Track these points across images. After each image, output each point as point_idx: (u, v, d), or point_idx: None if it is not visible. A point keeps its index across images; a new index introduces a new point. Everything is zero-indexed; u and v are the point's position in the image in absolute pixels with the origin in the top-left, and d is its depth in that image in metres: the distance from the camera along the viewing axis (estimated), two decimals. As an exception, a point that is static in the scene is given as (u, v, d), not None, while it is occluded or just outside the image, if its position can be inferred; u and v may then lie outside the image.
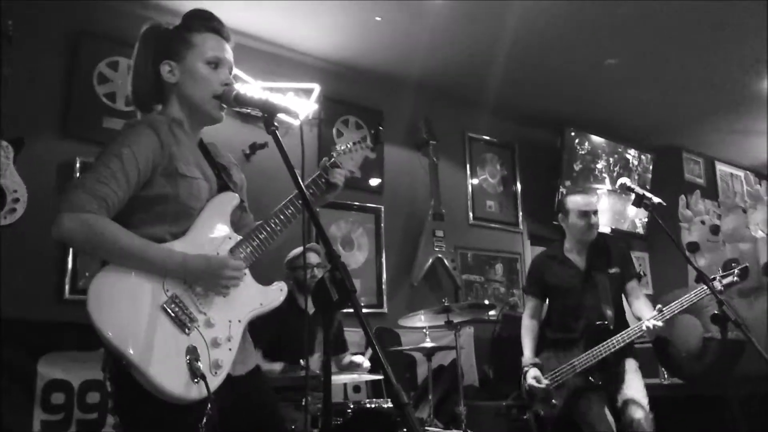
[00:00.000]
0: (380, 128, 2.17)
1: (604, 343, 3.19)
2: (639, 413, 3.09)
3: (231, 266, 1.68)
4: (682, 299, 3.11)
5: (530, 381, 3.29)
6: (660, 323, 3.09)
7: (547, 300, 3.55)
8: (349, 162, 2.02)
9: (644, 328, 3.11)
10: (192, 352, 1.59)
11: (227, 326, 1.70)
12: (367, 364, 3.53)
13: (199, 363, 1.58)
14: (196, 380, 1.56)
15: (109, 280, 1.60)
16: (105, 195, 1.59)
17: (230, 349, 1.68)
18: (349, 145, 2.04)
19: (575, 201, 3.50)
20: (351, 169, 2.02)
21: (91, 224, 1.56)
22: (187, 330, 1.62)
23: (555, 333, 3.43)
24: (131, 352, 1.52)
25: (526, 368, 3.36)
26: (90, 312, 1.54)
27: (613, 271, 3.40)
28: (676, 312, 3.11)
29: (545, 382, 3.27)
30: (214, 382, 1.62)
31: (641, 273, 6.97)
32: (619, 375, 3.27)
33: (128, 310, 1.57)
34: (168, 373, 1.55)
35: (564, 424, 3.24)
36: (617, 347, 3.17)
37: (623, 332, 3.18)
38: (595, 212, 3.46)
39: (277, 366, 3.29)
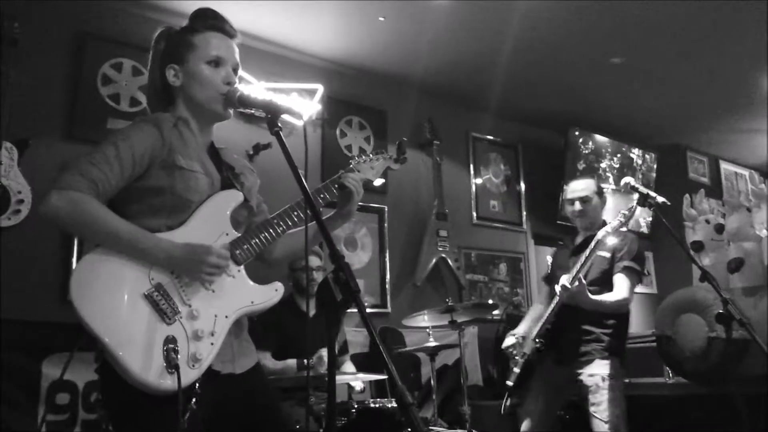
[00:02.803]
0: (405, 140, 2.13)
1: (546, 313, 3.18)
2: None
3: (215, 253, 1.65)
4: (581, 257, 3.11)
5: (504, 344, 3.32)
6: (564, 282, 3.03)
7: None
8: (370, 171, 2.00)
9: (557, 290, 3.08)
10: (170, 342, 1.57)
11: (212, 320, 1.67)
12: (360, 386, 3.54)
13: (176, 354, 1.56)
14: (170, 371, 1.53)
15: (95, 263, 1.60)
16: (96, 177, 1.60)
17: (212, 344, 1.65)
18: (371, 155, 2.03)
19: (568, 187, 3.51)
20: (371, 178, 1.99)
21: (77, 202, 1.56)
22: (168, 320, 1.61)
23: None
24: (106, 336, 1.52)
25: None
26: (71, 292, 1.54)
27: (603, 254, 3.25)
28: (579, 269, 3.06)
29: (511, 340, 3.28)
30: (191, 374, 1.59)
31: (646, 272, 6.95)
32: (582, 380, 3.16)
33: (109, 294, 1.57)
34: (141, 361, 1.53)
35: (519, 396, 3.25)
36: (550, 310, 3.14)
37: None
38: (584, 199, 3.34)
39: (291, 362, 3.30)
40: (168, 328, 1.60)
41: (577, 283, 3.01)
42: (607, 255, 3.25)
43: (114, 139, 1.66)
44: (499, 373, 4.96)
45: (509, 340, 3.31)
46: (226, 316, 1.71)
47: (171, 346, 1.57)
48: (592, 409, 3.05)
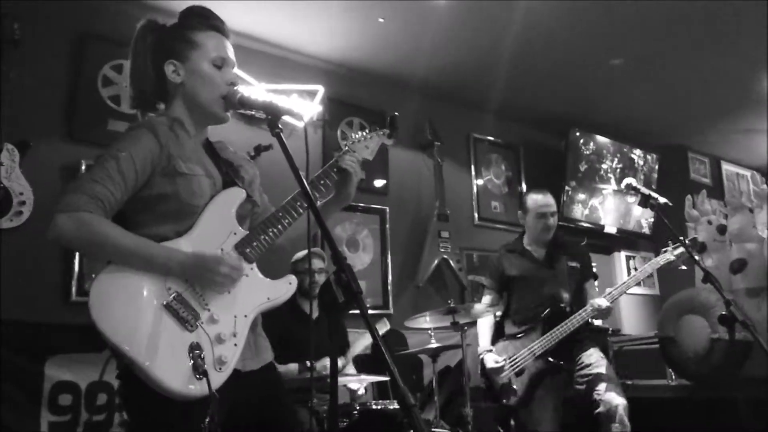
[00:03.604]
0: (396, 114, 2.12)
1: (561, 324, 3.27)
2: (617, 399, 3.14)
3: (227, 263, 1.66)
4: (627, 279, 3.28)
5: (490, 364, 3.36)
6: (607, 303, 3.20)
7: (506, 293, 3.63)
8: (365, 150, 1.99)
9: (593, 306, 3.21)
10: (195, 349, 1.58)
11: (232, 322, 1.69)
12: (361, 391, 3.54)
13: (203, 360, 1.57)
14: (198, 377, 1.55)
15: (111, 280, 1.59)
16: (100, 194, 1.58)
17: (235, 345, 1.67)
18: (364, 133, 2.01)
19: (534, 200, 3.61)
20: (367, 157, 1.99)
21: (85, 222, 1.56)
22: (190, 327, 1.62)
23: (513, 322, 3.51)
24: (132, 350, 1.53)
25: (481, 355, 3.44)
26: (92, 312, 1.54)
27: (572, 264, 3.49)
28: (623, 292, 3.25)
29: (503, 361, 3.35)
30: (218, 378, 1.61)
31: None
32: (582, 361, 3.34)
33: (130, 309, 1.57)
34: (170, 371, 1.55)
35: (524, 412, 3.29)
36: (573, 328, 3.24)
37: (577, 313, 3.27)
38: (553, 213, 3.57)
39: (293, 366, 3.30)
40: (191, 335, 1.61)
41: (609, 304, 3.22)
42: (578, 265, 3.51)
43: (113, 153, 1.64)
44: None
45: (495, 359, 3.39)
46: (245, 316, 1.72)
47: (197, 352, 1.58)
48: (598, 370, 3.26)
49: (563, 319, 3.28)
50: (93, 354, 3.31)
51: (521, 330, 3.43)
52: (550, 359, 3.27)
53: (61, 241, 1.57)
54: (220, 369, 1.62)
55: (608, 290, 3.24)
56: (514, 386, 3.30)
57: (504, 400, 3.32)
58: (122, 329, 1.54)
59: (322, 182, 1.90)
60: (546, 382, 3.28)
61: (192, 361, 1.57)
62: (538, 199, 3.59)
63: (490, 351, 3.44)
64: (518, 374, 3.32)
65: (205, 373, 1.55)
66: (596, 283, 3.63)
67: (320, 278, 3.59)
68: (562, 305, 3.35)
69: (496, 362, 3.36)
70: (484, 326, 3.58)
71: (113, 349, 1.54)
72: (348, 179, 1.93)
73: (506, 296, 3.63)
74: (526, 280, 3.50)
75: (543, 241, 3.58)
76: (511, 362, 3.35)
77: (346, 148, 1.97)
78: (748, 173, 7.91)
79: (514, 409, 3.31)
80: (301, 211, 1.82)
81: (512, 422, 3.34)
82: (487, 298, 3.67)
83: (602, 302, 3.20)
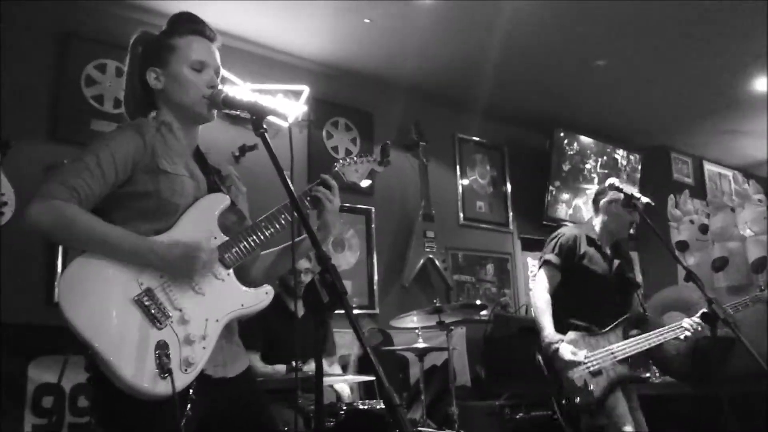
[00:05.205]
0: (389, 143, 2.14)
1: (648, 334, 3.06)
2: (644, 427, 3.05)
3: (206, 249, 1.65)
4: (736, 303, 3.11)
5: (569, 356, 2.96)
6: (701, 321, 2.99)
7: (565, 280, 3.25)
8: (354, 174, 2.00)
9: (691, 325, 3.03)
10: (161, 348, 1.56)
11: (203, 324, 1.66)
12: (347, 392, 3.52)
13: (168, 359, 1.55)
14: (163, 375, 1.53)
15: (84, 268, 1.58)
16: (76, 185, 1.58)
17: (204, 348, 1.65)
18: (354, 158, 2.02)
19: (624, 191, 3.23)
20: (355, 180, 2.01)
21: (59, 210, 1.55)
22: (159, 325, 1.59)
23: (584, 317, 3.17)
24: (97, 342, 1.51)
25: (555, 344, 3.01)
26: (59, 297, 1.53)
27: (630, 275, 3.34)
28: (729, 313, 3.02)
29: (583, 353, 2.98)
30: (184, 379, 1.59)
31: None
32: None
33: (98, 300, 1.56)
34: (133, 366, 1.52)
35: (595, 416, 2.96)
36: (659, 342, 3.06)
37: (666, 327, 3.08)
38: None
39: (280, 368, 3.29)
40: (159, 332, 1.59)
41: (701, 323, 3.04)
42: (633, 276, 3.38)
43: (94, 147, 1.65)
44: (487, 374, 4.97)
45: (573, 351, 3.01)
46: (217, 320, 1.70)
47: (162, 351, 1.56)
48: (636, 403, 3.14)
49: (643, 327, 3.13)
50: (77, 356, 3.28)
51: (595, 328, 3.14)
52: (632, 367, 3.07)
53: (33, 227, 1.56)
54: (186, 370, 1.60)
55: (704, 310, 2.99)
56: (591, 386, 2.96)
57: (577, 398, 2.96)
58: (89, 320, 1.52)
59: (308, 198, 1.89)
60: (623, 388, 3.04)
61: (157, 360, 1.54)
62: (626, 191, 3.20)
63: (562, 341, 3.03)
64: (594, 374, 3.00)
65: (170, 372, 1.53)
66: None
67: (306, 278, 3.59)
68: (646, 314, 3.22)
69: (575, 354, 2.98)
70: (546, 308, 3.13)
71: (78, 338, 1.52)
72: (322, 207, 1.90)
73: (565, 280, 3.24)
74: (600, 278, 3.20)
75: (614, 238, 3.32)
76: (589, 359, 3.01)
77: (336, 169, 1.97)
78: (730, 173, 8.01)
79: (585, 410, 2.96)
80: (284, 223, 1.82)
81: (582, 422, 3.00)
82: (545, 276, 3.24)
83: (698, 321, 3.02)
